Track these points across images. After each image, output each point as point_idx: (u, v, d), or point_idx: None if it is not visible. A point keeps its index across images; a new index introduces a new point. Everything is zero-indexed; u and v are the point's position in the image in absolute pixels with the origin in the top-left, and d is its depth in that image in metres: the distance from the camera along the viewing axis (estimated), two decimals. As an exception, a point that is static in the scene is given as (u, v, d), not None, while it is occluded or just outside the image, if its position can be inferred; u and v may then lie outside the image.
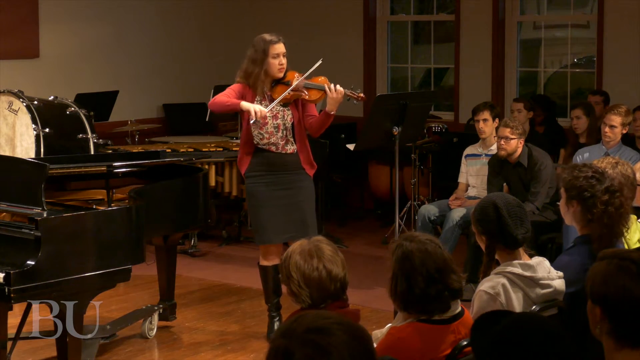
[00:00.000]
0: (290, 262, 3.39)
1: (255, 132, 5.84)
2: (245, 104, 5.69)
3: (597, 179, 3.86)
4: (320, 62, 5.76)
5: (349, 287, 3.44)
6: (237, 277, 7.61)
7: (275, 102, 5.74)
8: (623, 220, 3.88)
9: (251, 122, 5.71)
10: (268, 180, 5.88)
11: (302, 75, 5.80)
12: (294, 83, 5.74)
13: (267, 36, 5.81)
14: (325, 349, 1.99)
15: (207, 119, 9.09)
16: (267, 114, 5.73)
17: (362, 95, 5.86)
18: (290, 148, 5.87)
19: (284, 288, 3.58)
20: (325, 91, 5.73)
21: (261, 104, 5.79)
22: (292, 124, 5.85)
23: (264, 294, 6.13)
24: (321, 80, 5.80)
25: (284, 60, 5.78)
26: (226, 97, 5.79)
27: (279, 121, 5.82)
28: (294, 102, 5.84)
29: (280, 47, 5.78)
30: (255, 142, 5.85)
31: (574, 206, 3.89)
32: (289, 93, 5.73)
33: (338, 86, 5.71)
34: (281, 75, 5.80)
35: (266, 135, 5.83)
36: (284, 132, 5.84)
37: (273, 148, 5.84)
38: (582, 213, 3.87)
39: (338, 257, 3.40)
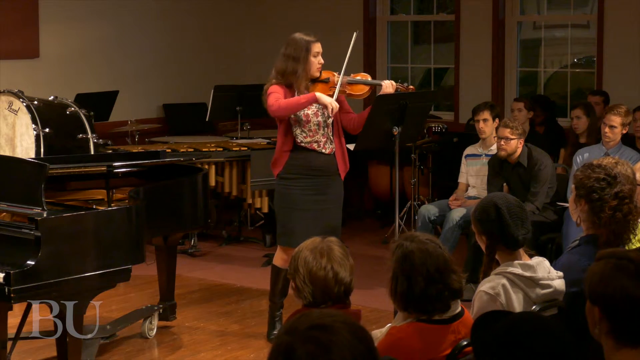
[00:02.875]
0: (299, 257, 3.39)
1: (298, 131, 5.82)
2: (322, 96, 5.67)
3: (608, 183, 3.80)
4: (355, 35, 5.85)
5: (349, 287, 3.44)
6: (237, 277, 7.61)
7: (336, 92, 5.72)
8: (631, 227, 3.83)
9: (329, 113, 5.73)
10: (303, 184, 5.85)
11: (340, 72, 5.81)
12: (339, 80, 5.76)
13: (305, 35, 5.81)
14: (327, 346, 1.98)
15: (207, 119, 9.09)
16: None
17: (411, 87, 5.98)
18: (329, 147, 5.87)
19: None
20: (372, 85, 5.81)
21: None
22: (332, 122, 5.86)
23: (269, 292, 6.07)
24: (362, 76, 5.82)
25: (322, 60, 5.81)
26: (282, 97, 5.69)
27: (319, 119, 5.81)
28: None
29: (319, 46, 5.81)
30: (299, 141, 5.82)
31: (582, 205, 3.86)
32: (340, 89, 5.75)
33: (388, 80, 5.86)
34: (318, 74, 5.82)
35: (309, 134, 5.81)
36: (325, 129, 5.84)
37: (315, 146, 5.83)
38: (589, 213, 3.84)
39: (347, 261, 3.39)
